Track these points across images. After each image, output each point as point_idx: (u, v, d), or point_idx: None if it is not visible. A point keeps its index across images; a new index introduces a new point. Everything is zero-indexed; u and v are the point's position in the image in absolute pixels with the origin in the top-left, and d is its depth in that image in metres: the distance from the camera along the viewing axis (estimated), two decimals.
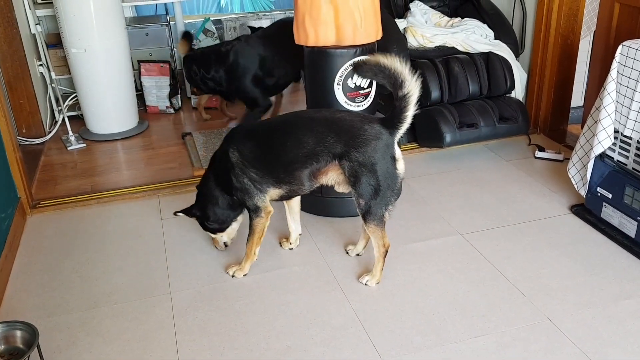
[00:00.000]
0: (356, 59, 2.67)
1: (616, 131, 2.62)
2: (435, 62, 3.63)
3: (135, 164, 3.70)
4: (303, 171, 2.34)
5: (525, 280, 2.43)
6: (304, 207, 3.02)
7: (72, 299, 2.41)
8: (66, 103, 4.31)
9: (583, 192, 2.84)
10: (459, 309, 2.27)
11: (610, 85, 2.58)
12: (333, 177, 2.36)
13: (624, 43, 2.54)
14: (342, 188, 2.39)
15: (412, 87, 2.19)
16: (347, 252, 2.65)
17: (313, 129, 2.31)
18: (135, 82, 4.33)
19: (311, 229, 2.87)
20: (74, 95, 4.28)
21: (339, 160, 2.29)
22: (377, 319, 2.23)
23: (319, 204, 2.98)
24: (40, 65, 4.19)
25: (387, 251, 2.39)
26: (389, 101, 3.66)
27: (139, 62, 4.51)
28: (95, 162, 3.76)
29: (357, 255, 2.63)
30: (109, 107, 4.08)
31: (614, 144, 2.65)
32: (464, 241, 2.72)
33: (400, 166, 2.32)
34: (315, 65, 2.82)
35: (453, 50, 3.76)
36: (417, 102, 2.23)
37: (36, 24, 4.10)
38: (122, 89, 4.09)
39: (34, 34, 4.18)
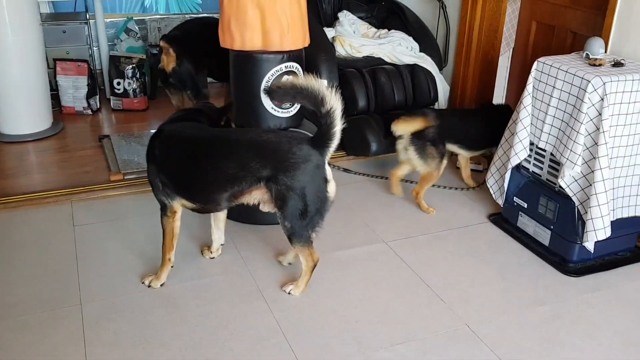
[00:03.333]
0: (270, 85, 2.59)
1: (531, 143, 2.72)
2: (362, 72, 3.66)
3: (48, 167, 3.50)
4: (222, 194, 2.26)
5: (445, 287, 2.46)
6: (228, 214, 2.95)
7: None
8: None
9: (500, 202, 2.93)
10: (380, 317, 2.27)
11: (527, 99, 2.68)
12: (257, 197, 2.29)
13: (539, 59, 2.65)
14: (267, 207, 2.31)
15: (334, 101, 2.11)
16: (279, 262, 2.59)
17: (237, 154, 2.22)
18: (50, 81, 4.11)
19: (234, 236, 2.80)
20: None
21: (265, 183, 2.20)
22: (299, 329, 2.19)
23: (243, 211, 2.90)
24: None
25: (315, 265, 2.36)
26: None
27: (55, 60, 4.29)
28: (3, 164, 3.52)
29: (289, 264, 2.58)
30: (21, 107, 3.85)
31: (529, 155, 2.75)
32: (388, 249, 2.74)
33: (332, 188, 2.26)
34: (242, 70, 2.77)
35: (380, 61, 3.81)
36: (343, 114, 2.15)
37: None
38: (35, 88, 3.87)
39: None
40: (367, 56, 3.84)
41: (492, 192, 2.97)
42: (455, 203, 3.19)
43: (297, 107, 2.88)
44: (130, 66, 4.36)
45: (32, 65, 3.82)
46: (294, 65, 2.77)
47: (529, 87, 2.68)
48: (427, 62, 3.85)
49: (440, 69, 3.96)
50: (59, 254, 2.63)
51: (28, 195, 3.11)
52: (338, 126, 2.16)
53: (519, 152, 2.73)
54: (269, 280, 2.48)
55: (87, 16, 4.63)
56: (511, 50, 4.00)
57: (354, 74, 3.63)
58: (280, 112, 2.82)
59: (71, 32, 4.48)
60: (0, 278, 2.44)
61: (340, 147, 3.66)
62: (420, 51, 3.96)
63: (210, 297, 2.36)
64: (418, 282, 2.50)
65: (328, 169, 2.25)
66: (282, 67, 2.73)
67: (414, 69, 3.78)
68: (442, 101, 3.87)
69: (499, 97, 4.09)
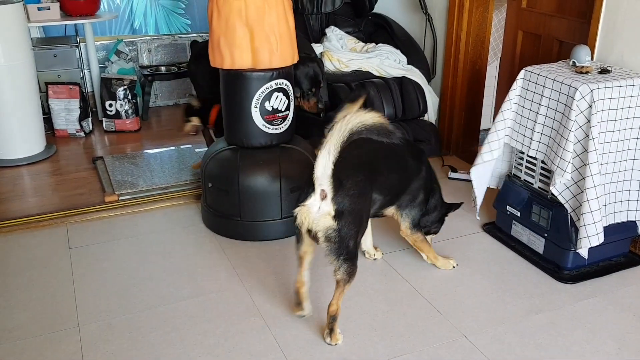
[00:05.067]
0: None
1: (522, 152, 2.75)
2: (351, 86, 3.69)
3: (42, 191, 3.50)
4: None
5: (441, 298, 2.47)
6: (221, 231, 2.96)
7: None
8: None
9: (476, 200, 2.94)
10: (378, 330, 2.27)
11: (505, 104, 2.74)
12: None
13: (526, 68, 2.68)
14: None
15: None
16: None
17: None
18: (42, 105, 4.12)
19: (229, 253, 2.80)
20: None
21: None
22: (297, 344, 2.19)
23: (237, 227, 2.92)
24: None
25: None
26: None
27: (47, 84, 4.31)
28: None
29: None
30: (14, 131, 3.86)
31: (519, 164, 2.77)
32: (382, 261, 2.75)
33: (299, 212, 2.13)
34: (232, 88, 2.80)
35: (368, 74, 3.84)
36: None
37: None
38: (27, 112, 3.88)
39: None
40: (356, 70, 3.87)
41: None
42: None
43: (288, 123, 2.90)
44: (122, 88, 4.38)
45: (24, 90, 3.83)
46: (284, 82, 2.80)
47: (511, 94, 2.72)
48: (415, 75, 3.89)
49: (429, 80, 4.00)
50: (55, 276, 2.62)
51: (23, 219, 3.10)
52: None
53: (484, 154, 2.81)
54: (265, 297, 2.48)
55: (78, 39, 4.66)
56: (498, 60, 4.05)
57: (343, 89, 3.65)
58: (271, 128, 2.84)
59: (62, 55, 4.50)
60: None
61: None
62: (408, 64, 4.00)
63: (206, 316, 2.36)
64: (414, 294, 2.50)
65: (313, 200, 2.07)
66: (272, 84, 2.75)
67: (402, 81, 3.81)
68: (432, 113, 3.90)
69: (488, 106, 4.14)
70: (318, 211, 2.07)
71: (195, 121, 3.50)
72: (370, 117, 1.96)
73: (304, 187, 2.13)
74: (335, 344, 2.19)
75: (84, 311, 2.38)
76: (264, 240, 2.90)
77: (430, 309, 2.40)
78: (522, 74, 2.69)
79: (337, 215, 2.06)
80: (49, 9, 4.33)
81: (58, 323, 2.31)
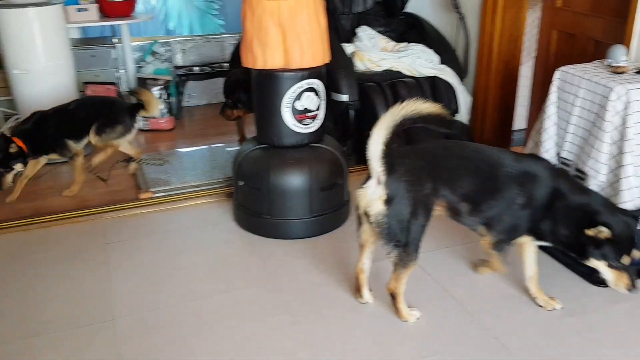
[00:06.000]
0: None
1: (556, 153, 2.71)
2: (382, 86, 3.69)
3: (80, 187, 3.58)
4: None
5: (472, 299, 2.46)
6: (252, 229, 3.00)
7: (9, 329, 2.30)
8: (7, 124, 4.16)
9: None
10: (407, 330, 2.27)
11: (550, 108, 2.68)
12: None
13: (561, 68, 2.65)
14: None
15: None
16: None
17: None
18: None
19: (259, 250, 2.84)
20: (17, 116, 4.14)
21: None
22: (326, 343, 2.21)
23: (267, 225, 2.95)
24: None
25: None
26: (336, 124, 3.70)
27: (85, 83, 4.41)
28: (36, 185, 3.62)
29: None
30: None
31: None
32: None
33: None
34: (264, 88, 2.83)
35: (399, 74, 3.83)
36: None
37: None
38: None
39: None
40: (387, 70, 3.86)
41: None
42: None
43: (318, 123, 2.92)
44: (157, 87, 4.46)
45: (64, 89, 3.93)
46: (315, 82, 2.82)
47: (552, 97, 2.68)
48: (447, 74, 3.86)
49: (461, 80, 3.97)
50: (91, 271, 2.69)
51: (61, 214, 3.19)
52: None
53: None
54: (294, 294, 2.50)
55: (114, 40, 4.76)
56: (533, 59, 3.99)
57: (374, 88, 3.65)
58: (302, 127, 2.86)
59: (99, 56, 4.61)
60: (34, 295, 2.52)
61: (363, 161, 3.71)
62: (441, 63, 3.97)
63: (236, 311, 2.39)
64: (443, 295, 2.50)
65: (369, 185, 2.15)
66: (303, 84, 2.78)
67: (434, 81, 3.79)
68: (464, 112, 3.87)
69: (522, 106, 4.08)
70: (372, 194, 2.12)
71: (18, 167, 3.36)
72: (427, 107, 2.01)
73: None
74: (407, 322, 2.30)
75: (119, 305, 2.44)
76: (294, 238, 2.93)
77: (461, 310, 2.39)
78: (556, 74, 2.65)
79: (388, 201, 2.10)
80: (88, 10, 4.44)
81: (94, 316, 2.37)
